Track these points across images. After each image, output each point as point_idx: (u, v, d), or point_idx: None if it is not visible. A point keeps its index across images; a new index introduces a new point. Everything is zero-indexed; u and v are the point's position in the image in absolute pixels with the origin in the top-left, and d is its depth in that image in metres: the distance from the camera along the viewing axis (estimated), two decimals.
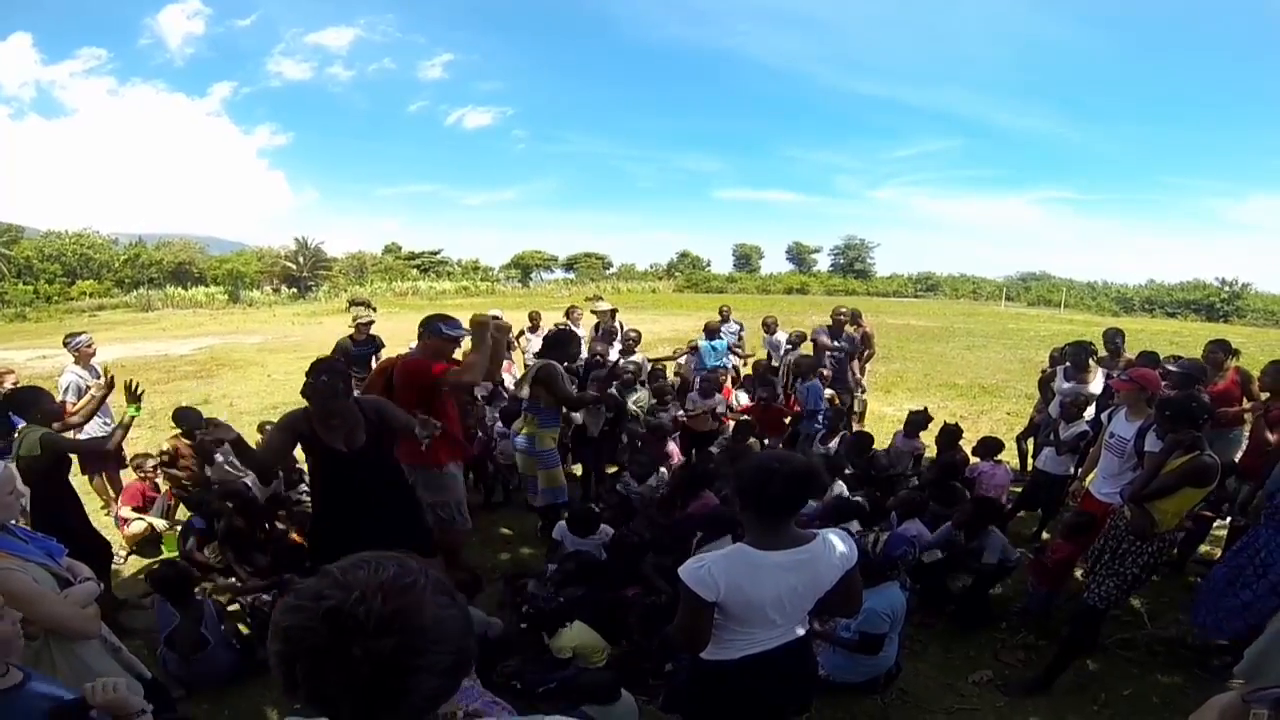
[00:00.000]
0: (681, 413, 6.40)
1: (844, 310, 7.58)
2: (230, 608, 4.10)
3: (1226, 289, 37.13)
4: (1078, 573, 4.03)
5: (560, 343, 4.92)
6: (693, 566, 1.98)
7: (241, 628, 3.89)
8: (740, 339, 9.30)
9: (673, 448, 6.19)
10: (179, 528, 4.98)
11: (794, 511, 2.09)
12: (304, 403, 3.30)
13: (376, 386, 4.11)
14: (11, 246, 38.53)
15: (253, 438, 6.01)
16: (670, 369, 8.83)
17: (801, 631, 2.20)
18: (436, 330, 3.96)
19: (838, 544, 2.08)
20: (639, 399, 6.36)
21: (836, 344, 7.20)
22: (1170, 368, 4.67)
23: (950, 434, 5.78)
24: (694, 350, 8.91)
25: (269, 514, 4.83)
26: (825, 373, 6.89)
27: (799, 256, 60.56)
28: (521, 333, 9.37)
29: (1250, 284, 37.35)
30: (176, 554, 4.79)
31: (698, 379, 7.30)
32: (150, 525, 4.99)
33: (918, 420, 6.01)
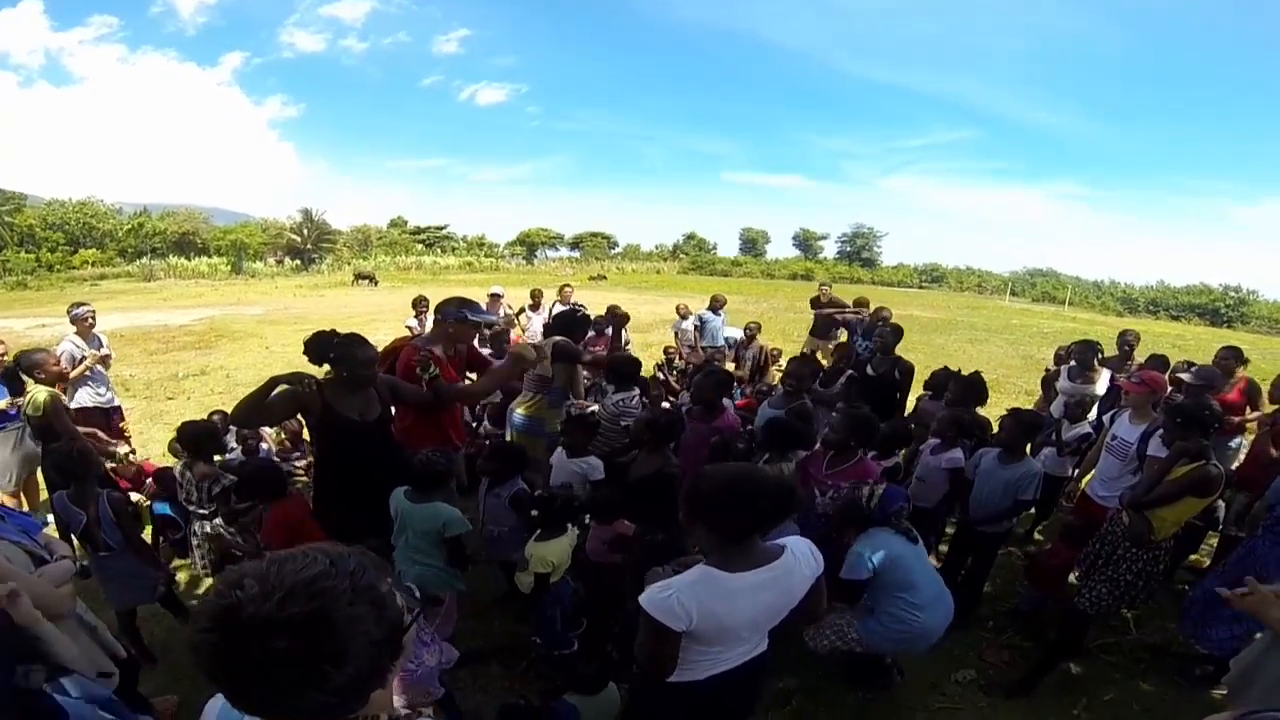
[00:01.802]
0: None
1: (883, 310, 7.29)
2: None
3: (1232, 295, 36.69)
4: (1072, 577, 3.97)
5: (572, 325, 4.82)
6: (659, 596, 1.81)
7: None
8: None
9: None
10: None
11: (765, 532, 1.96)
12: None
13: (381, 368, 4.05)
14: (15, 215, 38.40)
15: None
16: (679, 356, 8.89)
17: (765, 646, 2.11)
18: (462, 316, 3.91)
19: (806, 553, 1.98)
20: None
21: (866, 344, 6.81)
22: (1185, 378, 4.58)
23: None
24: (684, 317, 8.99)
25: None
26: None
27: (806, 243, 60.37)
28: (522, 310, 9.37)
29: (1256, 291, 36.93)
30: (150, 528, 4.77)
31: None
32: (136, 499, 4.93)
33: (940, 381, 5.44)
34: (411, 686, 2.68)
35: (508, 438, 4.84)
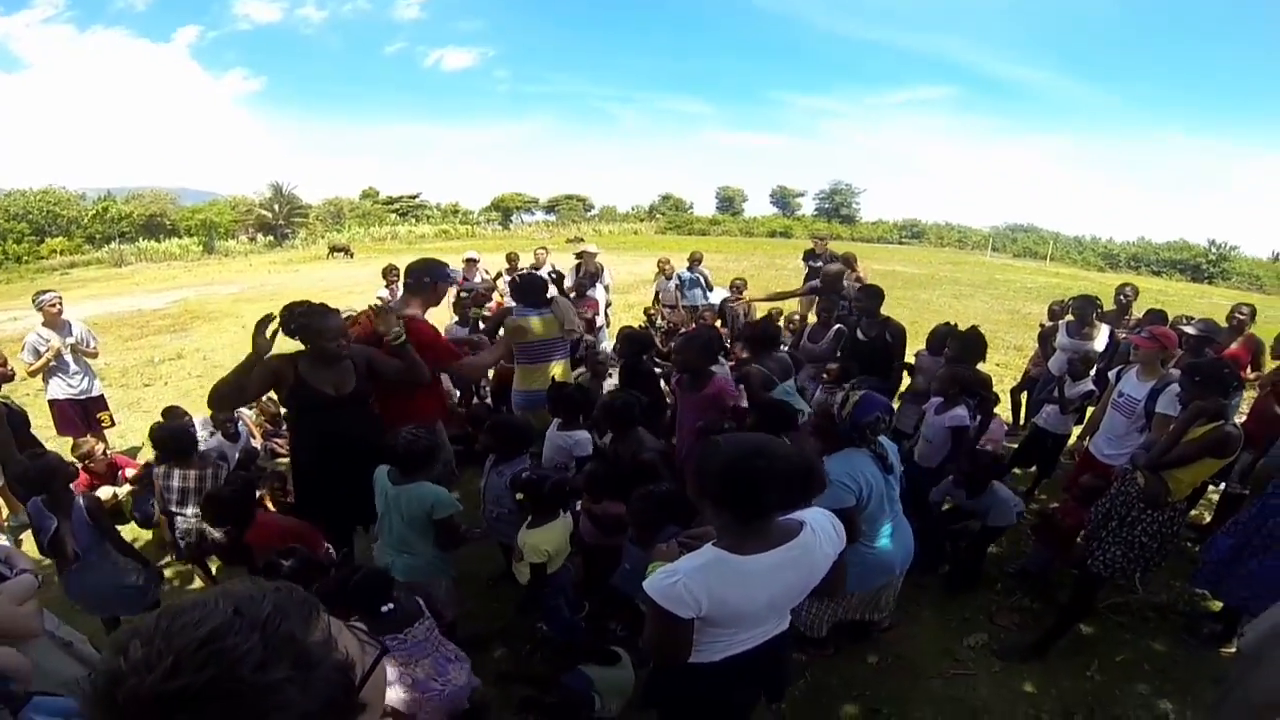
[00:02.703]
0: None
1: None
2: None
3: (1214, 250, 36.77)
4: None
5: (536, 288, 4.69)
6: (663, 582, 1.65)
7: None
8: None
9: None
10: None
11: (785, 513, 1.79)
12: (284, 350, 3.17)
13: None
14: None
15: None
16: (658, 315, 8.72)
17: (786, 624, 1.99)
18: (445, 275, 3.81)
19: (828, 528, 1.82)
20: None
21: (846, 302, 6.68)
22: (1186, 329, 4.51)
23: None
24: (669, 276, 8.83)
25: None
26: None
27: (784, 200, 59.98)
28: (499, 274, 9.17)
29: (1238, 247, 37.05)
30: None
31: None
32: (115, 494, 4.75)
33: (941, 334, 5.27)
34: (440, 707, 2.57)
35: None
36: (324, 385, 3.19)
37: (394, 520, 3.05)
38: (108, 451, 4.89)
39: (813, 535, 1.78)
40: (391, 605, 2.53)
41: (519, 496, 3.24)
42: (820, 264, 9.58)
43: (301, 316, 3.11)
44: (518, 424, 3.78)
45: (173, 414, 5.10)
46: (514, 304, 4.79)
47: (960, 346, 4.34)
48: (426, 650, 2.63)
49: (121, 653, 0.67)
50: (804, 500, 1.78)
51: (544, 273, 8.64)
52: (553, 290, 5.25)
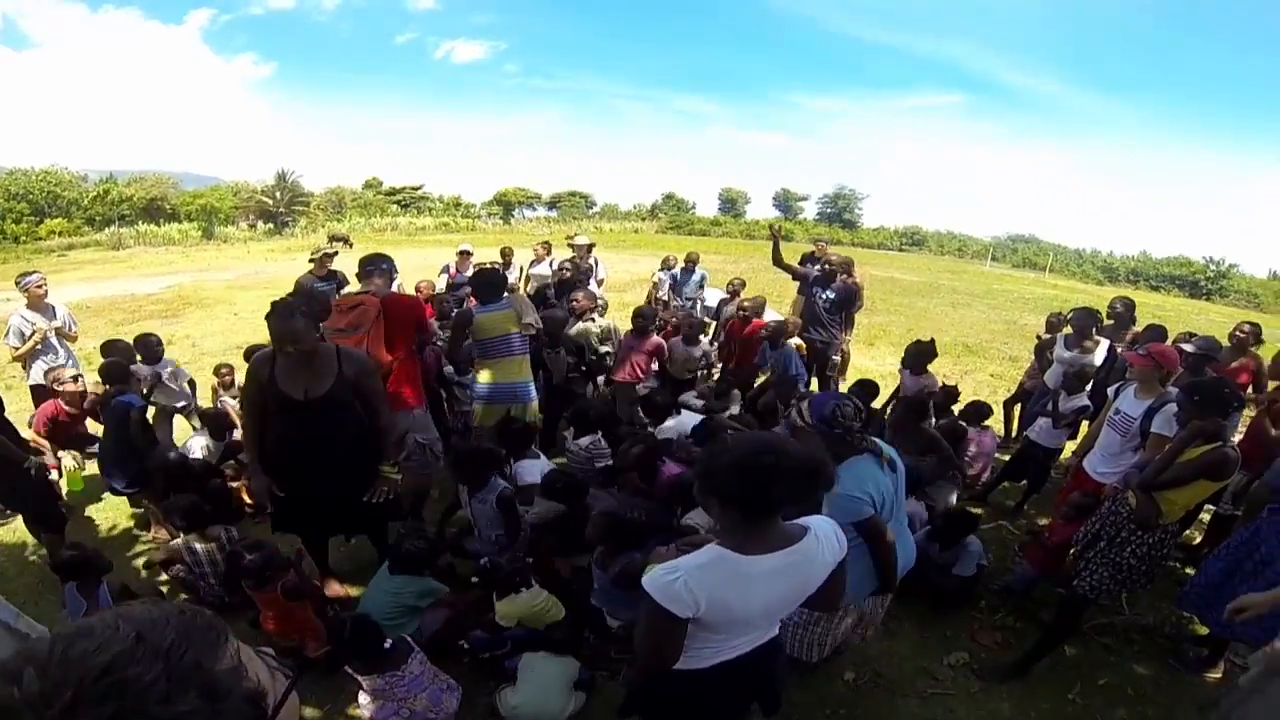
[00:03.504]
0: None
1: (833, 255, 7.35)
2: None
3: (1213, 267, 36.97)
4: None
5: (493, 284, 4.65)
6: (664, 579, 1.62)
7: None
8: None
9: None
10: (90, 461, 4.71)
11: (792, 513, 1.77)
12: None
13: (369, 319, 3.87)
14: None
15: (209, 380, 5.73)
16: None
17: (776, 630, 1.96)
18: (393, 265, 4.26)
19: (831, 536, 1.79)
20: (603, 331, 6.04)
21: (827, 294, 6.72)
22: (1185, 346, 4.42)
23: (948, 395, 5.46)
24: (669, 269, 8.82)
25: (216, 472, 4.47)
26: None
27: (786, 203, 59.71)
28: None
29: (1236, 265, 37.27)
30: (80, 489, 4.58)
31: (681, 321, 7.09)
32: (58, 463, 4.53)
33: (926, 351, 5.52)
34: None
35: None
36: (293, 387, 3.05)
37: (381, 598, 3.21)
38: (80, 378, 4.70)
39: (815, 542, 1.75)
40: (391, 641, 2.72)
41: (473, 580, 3.49)
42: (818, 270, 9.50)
43: (269, 316, 2.98)
44: (481, 452, 3.77)
45: (113, 349, 5.06)
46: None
47: (896, 415, 4.41)
48: (424, 684, 2.72)
49: (15, 683, 0.59)
50: (811, 497, 1.76)
51: (546, 268, 8.57)
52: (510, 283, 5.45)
